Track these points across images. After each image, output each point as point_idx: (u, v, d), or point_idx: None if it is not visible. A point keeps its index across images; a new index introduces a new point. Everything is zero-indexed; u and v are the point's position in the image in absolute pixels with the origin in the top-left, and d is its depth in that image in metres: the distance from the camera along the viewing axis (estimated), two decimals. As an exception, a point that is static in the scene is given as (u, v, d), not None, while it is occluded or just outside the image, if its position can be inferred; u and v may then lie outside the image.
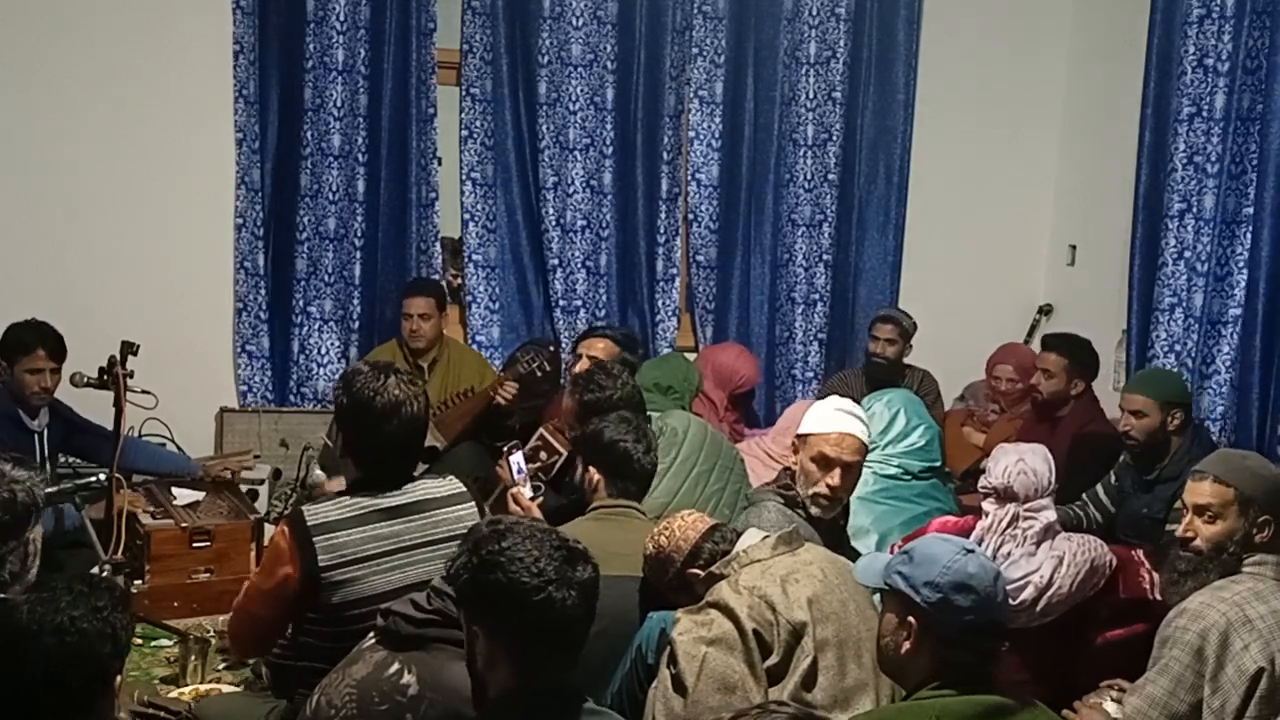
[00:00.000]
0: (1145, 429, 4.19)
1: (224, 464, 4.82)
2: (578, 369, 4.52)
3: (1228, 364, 4.57)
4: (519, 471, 3.68)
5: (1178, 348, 4.84)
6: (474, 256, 5.62)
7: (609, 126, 5.63)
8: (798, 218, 5.87)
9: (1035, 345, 5.66)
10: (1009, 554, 3.24)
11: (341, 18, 5.26)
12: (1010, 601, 2.79)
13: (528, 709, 2.05)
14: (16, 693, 2.08)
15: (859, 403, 4.46)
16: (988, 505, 3.32)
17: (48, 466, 4.42)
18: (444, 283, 5.64)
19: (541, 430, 4.02)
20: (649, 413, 4.04)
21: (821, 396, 5.68)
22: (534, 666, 2.05)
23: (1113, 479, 4.39)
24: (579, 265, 5.71)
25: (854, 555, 3.16)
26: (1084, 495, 4.43)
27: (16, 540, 2.54)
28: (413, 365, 5.16)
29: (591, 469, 3.31)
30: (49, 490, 3.74)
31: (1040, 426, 4.85)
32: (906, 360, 5.52)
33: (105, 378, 3.90)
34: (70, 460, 4.62)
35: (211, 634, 3.68)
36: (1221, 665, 2.65)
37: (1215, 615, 2.69)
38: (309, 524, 2.76)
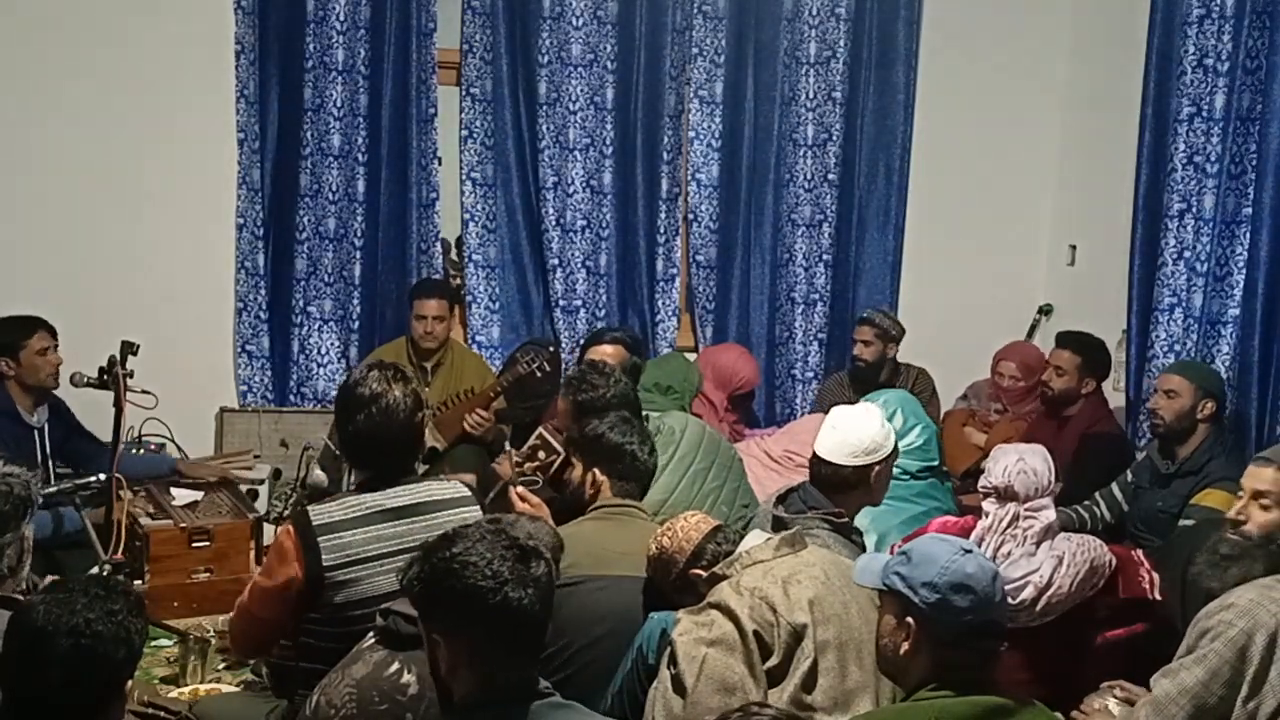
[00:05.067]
0: (1175, 410, 4.21)
1: (210, 467, 4.82)
2: None
3: (1227, 364, 4.56)
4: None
5: (1177, 348, 4.84)
6: (474, 256, 5.62)
7: (609, 126, 5.62)
8: (798, 218, 5.86)
9: (1036, 345, 5.67)
10: (1009, 554, 3.23)
11: (341, 18, 5.26)
12: (1010, 601, 2.79)
13: (492, 710, 2.05)
14: (31, 693, 2.08)
15: (853, 404, 4.48)
16: (988, 505, 3.32)
17: (49, 464, 4.43)
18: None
19: (541, 429, 4.02)
20: (648, 413, 4.05)
21: (816, 400, 5.74)
22: (496, 667, 2.05)
23: (1129, 476, 4.39)
24: (579, 265, 5.71)
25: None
26: (1096, 493, 4.43)
27: (14, 533, 2.54)
28: (417, 367, 5.16)
29: (595, 470, 3.31)
30: (48, 490, 3.77)
31: (1048, 424, 4.86)
32: (900, 359, 5.52)
33: (105, 378, 3.90)
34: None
35: (211, 634, 3.68)
36: (1266, 668, 2.58)
37: (1265, 615, 2.60)
38: (314, 524, 2.77)
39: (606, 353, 4.70)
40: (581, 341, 5.29)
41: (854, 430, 3.23)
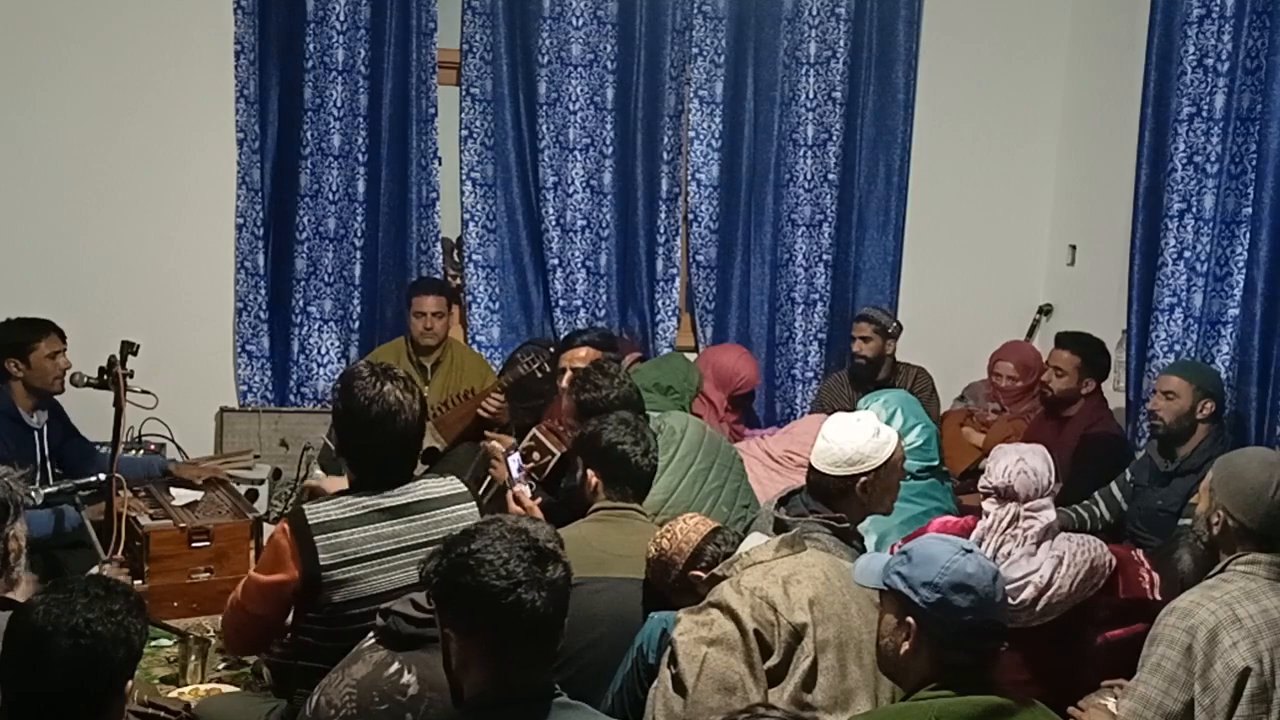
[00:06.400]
0: (1174, 411, 4.22)
1: (202, 468, 4.81)
2: (564, 381, 4.48)
3: (1227, 364, 4.57)
4: (517, 471, 3.68)
5: (1177, 348, 4.84)
6: (474, 256, 5.62)
7: (609, 126, 5.63)
8: (798, 218, 5.86)
9: (1036, 345, 5.67)
10: (1009, 554, 3.23)
11: (341, 18, 5.26)
12: (1010, 601, 2.79)
13: (502, 709, 2.05)
14: (30, 693, 2.08)
15: (853, 403, 4.48)
16: (988, 505, 3.32)
17: (48, 465, 4.43)
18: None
19: (535, 430, 4.01)
20: (649, 412, 4.04)
21: (816, 400, 5.73)
22: (506, 667, 2.05)
23: (1128, 475, 4.40)
24: (579, 265, 5.71)
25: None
26: (1095, 493, 4.43)
27: None
28: (416, 365, 5.17)
29: (590, 471, 3.31)
30: (48, 490, 3.76)
31: (1048, 424, 4.86)
32: (899, 358, 5.52)
33: (105, 378, 3.91)
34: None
35: (211, 634, 3.68)
36: (1210, 663, 2.65)
37: (1204, 614, 2.69)
38: (310, 523, 2.77)
39: (579, 356, 4.68)
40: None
41: (838, 440, 3.20)
